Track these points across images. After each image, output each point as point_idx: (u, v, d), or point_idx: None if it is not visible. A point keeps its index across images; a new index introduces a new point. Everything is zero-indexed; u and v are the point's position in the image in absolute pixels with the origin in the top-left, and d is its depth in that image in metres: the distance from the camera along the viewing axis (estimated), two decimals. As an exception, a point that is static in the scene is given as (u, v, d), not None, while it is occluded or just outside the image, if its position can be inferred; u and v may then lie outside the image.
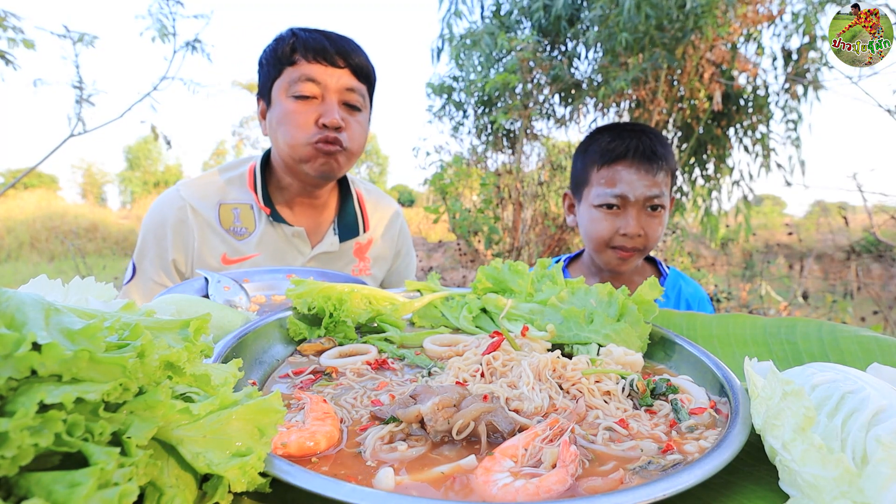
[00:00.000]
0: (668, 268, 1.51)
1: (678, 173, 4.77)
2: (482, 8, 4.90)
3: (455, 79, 4.97)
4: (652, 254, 1.54)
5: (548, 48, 4.64)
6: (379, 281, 1.53)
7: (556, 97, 4.77)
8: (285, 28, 1.27)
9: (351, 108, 1.25)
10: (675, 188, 1.49)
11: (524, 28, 4.70)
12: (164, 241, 1.28)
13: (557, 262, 1.60)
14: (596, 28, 4.02)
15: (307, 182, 1.32)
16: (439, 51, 5.16)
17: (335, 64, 1.21)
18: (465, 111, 5.14)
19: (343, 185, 1.47)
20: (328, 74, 1.21)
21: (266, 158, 1.37)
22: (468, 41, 4.72)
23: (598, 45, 4.37)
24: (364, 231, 1.45)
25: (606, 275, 1.46)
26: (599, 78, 4.43)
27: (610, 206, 1.33)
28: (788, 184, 4.44)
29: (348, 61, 1.22)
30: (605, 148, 1.35)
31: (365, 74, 1.27)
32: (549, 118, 4.77)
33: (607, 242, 1.35)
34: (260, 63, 1.29)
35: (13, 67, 3.06)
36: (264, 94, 1.29)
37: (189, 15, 3.66)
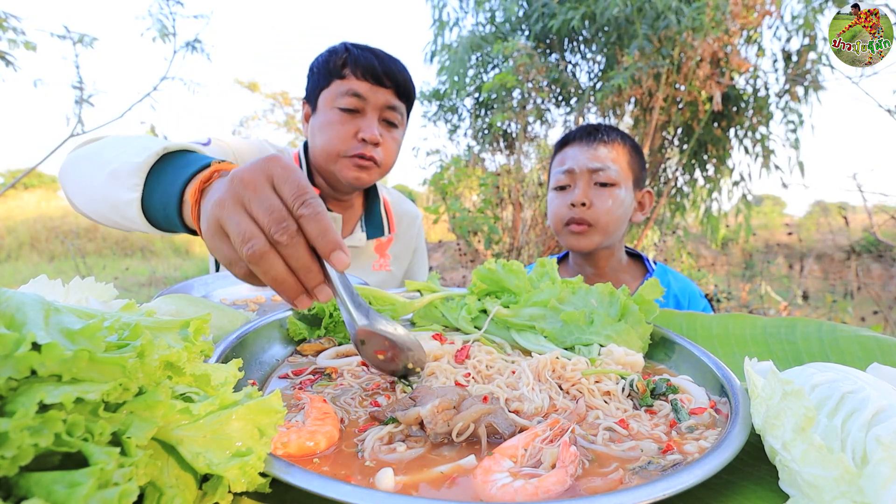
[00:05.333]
0: (655, 263, 1.53)
1: (678, 174, 4.77)
2: (475, 15, 4.93)
3: (453, 83, 4.99)
4: (652, 256, 1.56)
5: (542, 54, 4.66)
6: (399, 280, 1.62)
7: (553, 101, 4.78)
8: (339, 42, 1.34)
9: (389, 124, 1.33)
10: (642, 175, 1.48)
11: (519, 36, 4.72)
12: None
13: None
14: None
15: (337, 188, 1.39)
16: (433, 54, 5.19)
17: (381, 83, 1.28)
18: (459, 115, 5.16)
19: (371, 190, 1.55)
20: (372, 92, 1.28)
21: (304, 151, 1.44)
22: (465, 46, 4.74)
23: (595, 50, 4.39)
24: (389, 232, 1.56)
25: (590, 272, 1.50)
26: (600, 85, 4.45)
27: (562, 188, 1.42)
28: (785, 185, 4.45)
29: (393, 81, 1.29)
30: (559, 140, 1.51)
31: (406, 94, 1.34)
32: (543, 122, 4.78)
33: (560, 219, 1.42)
34: (311, 69, 1.36)
35: (13, 68, 3.07)
36: (311, 99, 1.36)
37: (189, 15, 3.67)
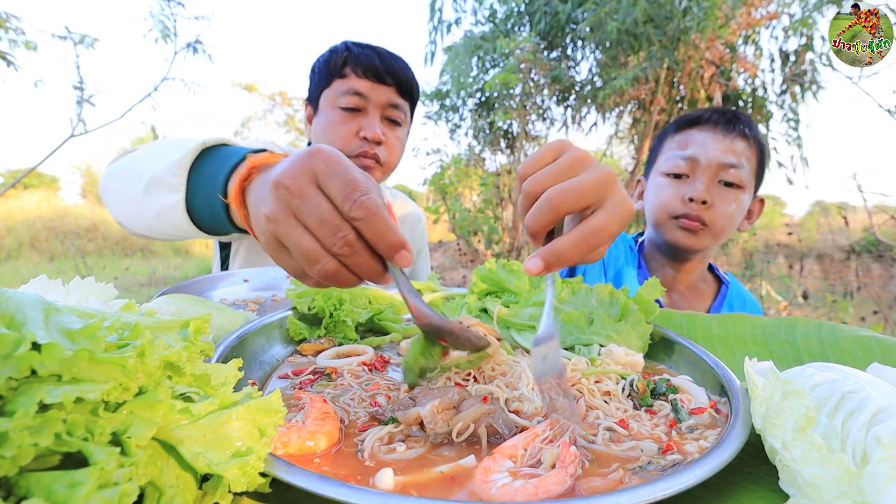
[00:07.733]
0: (727, 274, 1.40)
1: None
2: (475, 13, 4.94)
3: (453, 79, 5.00)
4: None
5: (546, 51, 4.66)
6: None
7: (554, 99, 4.78)
8: (340, 41, 1.32)
9: (392, 122, 1.31)
10: (760, 183, 1.26)
11: (521, 32, 4.73)
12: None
13: (635, 238, 1.39)
14: (588, 28, 4.05)
15: None
16: (432, 54, 5.20)
17: (383, 81, 1.26)
18: (461, 114, 5.18)
19: None
20: (374, 90, 1.26)
21: None
22: (467, 45, 4.75)
23: (596, 46, 4.39)
24: None
25: (670, 274, 1.32)
26: (600, 82, 4.46)
27: (678, 176, 1.21)
28: (790, 182, 4.46)
29: (395, 78, 1.27)
30: (682, 116, 1.26)
31: (409, 92, 1.32)
32: (545, 120, 4.79)
33: (669, 211, 1.21)
34: (312, 70, 1.34)
35: (14, 68, 3.07)
36: (313, 100, 1.34)
37: (190, 16, 3.67)
